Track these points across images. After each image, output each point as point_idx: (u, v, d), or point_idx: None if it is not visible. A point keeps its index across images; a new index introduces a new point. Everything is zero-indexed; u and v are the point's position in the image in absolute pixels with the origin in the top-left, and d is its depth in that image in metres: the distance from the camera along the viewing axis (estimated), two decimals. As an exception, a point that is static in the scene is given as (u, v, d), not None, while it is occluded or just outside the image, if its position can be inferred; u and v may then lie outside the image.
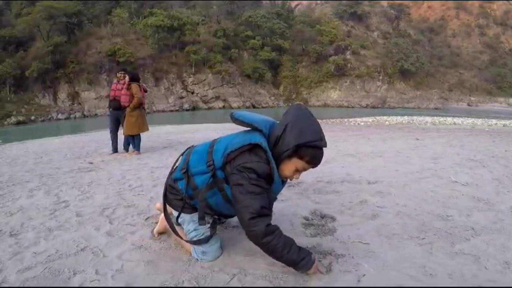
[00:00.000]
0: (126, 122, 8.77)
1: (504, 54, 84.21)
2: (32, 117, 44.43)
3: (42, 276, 2.52)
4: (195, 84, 59.19)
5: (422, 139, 11.41)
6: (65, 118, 46.79)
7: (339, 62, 69.01)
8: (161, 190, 3.17)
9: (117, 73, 9.31)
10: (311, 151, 2.31)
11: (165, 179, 2.91)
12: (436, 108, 63.82)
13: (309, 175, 5.25)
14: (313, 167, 2.44)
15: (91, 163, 7.89)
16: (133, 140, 9.15)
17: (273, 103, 64.69)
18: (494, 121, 31.02)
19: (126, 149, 9.32)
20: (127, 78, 8.76)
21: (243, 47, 67.75)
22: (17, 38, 51.42)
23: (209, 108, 58.00)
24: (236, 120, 2.47)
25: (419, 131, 16.22)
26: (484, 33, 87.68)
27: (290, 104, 63.29)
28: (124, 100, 8.68)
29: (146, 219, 3.61)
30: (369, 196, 4.29)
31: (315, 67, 70.81)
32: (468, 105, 69.61)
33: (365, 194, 4.39)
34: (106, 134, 13.46)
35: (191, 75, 59.56)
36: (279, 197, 3.35)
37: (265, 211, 2.29)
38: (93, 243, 3.04)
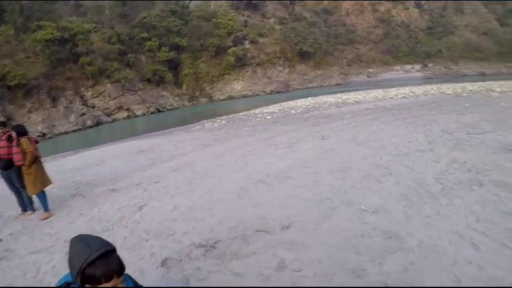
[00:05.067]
0: (27, 182, 8.08)
1: (396, 27, 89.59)
2: None
3: None
4: (94, 97, 56.23)
5: (327, 137, 11.86)
6: None
7: (239, 53, 69.57)
8: None
9: None
10: (93, 272, 2.08)
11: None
12: (338, 84, 68.58)
13: (223, 226, 5.28)
14: (118, 277, 2.17)
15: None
16: (40, 199, 8.39)
17: (178, 104, 63.81)
18: (393, 91, 33.84)
19: (28, 208, 8.69)
20: (13, 134, 8.05)
21: (140, 50, 65.95)
22: None
23: (114, 120, 55.65)
24: None
25: (324, 121, 16.87)
26: (376, 9, 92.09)
27: (195, 103, 63.40)
28: (17, 159, 7.92)
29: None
30: (285, 252, 4.35)
31: (215, 61, 70.90)
32: (368, 76, 74.98)
33: (280, 250, 4.46)
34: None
35: (89, 89, 56.46)
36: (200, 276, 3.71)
37: None
38: None
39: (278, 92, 67.30)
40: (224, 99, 66.21)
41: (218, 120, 29.42)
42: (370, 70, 78.62)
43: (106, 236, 5.73)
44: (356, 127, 13.36)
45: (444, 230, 4.45)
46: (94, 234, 5.80)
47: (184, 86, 68.51)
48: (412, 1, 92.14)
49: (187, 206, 6.84)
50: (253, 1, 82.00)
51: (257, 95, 67.16)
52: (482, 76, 61.76)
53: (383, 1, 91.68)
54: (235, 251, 4.64)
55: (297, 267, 3.96)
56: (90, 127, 52.07)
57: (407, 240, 4.23)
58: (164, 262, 4.62)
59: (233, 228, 5.28)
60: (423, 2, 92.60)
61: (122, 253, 2.70)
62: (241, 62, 70.25)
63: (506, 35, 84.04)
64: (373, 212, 5.15)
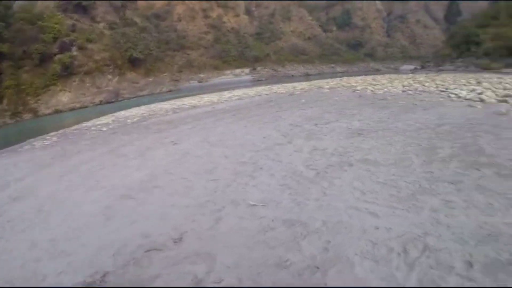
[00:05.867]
0: None
1: (227, 33, 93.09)
2: None
3: None
4: None
5: (178, 142, 11.39)
6: None
7: (66, 61, 64.34)
8: None
9: None
10: None
11: None
12: (169, 91, 68.21)
13: (103, 254, 4.53)
14: None
15: None
16: None
17: (-2, 123, 56.13)
18: (227, 94, 34.22)
19: None
20: None
21: (-47, 59, 56.96)
22: None
23: None
24: None
25: (166, 127, 16.33)
26: (208, 15, 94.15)
27: (18, 119, 57.16)
28: None
29: None
30: (192, 266, 3.84)
31: (40, 70, 64.41)
32: (199, 82, 75.94)
33: (186, 265, 3.91)
34: None
35: None
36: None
37: None
38: None
39: (108, 102, 63.99)
40: (50, 114, 60.03)
41: (48, 137, 26.28)
42: (201, 75, 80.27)
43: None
44: (202, 130, 13.08)
45: (339, 207, 4.60)
46: None
47: (5, 101, 60.08)
48: (242, 2, 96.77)
49: (48, 239, 5.52)
50: (83, 3, 76.97)
51: (86, 107, 62.36)
52: (307, 76, 67.92)
53: (214, 6, 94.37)
54: (133, 279, 3.90)
55: (216, 279, 3.54)
56: None
57: (311, 224, 4.23)
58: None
59: (116, 255, 4.48)
60: (253, 9, 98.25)
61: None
62: (67, 71, 65.02)
63: (328, 39, 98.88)
64: (263, 205, 5.00)
